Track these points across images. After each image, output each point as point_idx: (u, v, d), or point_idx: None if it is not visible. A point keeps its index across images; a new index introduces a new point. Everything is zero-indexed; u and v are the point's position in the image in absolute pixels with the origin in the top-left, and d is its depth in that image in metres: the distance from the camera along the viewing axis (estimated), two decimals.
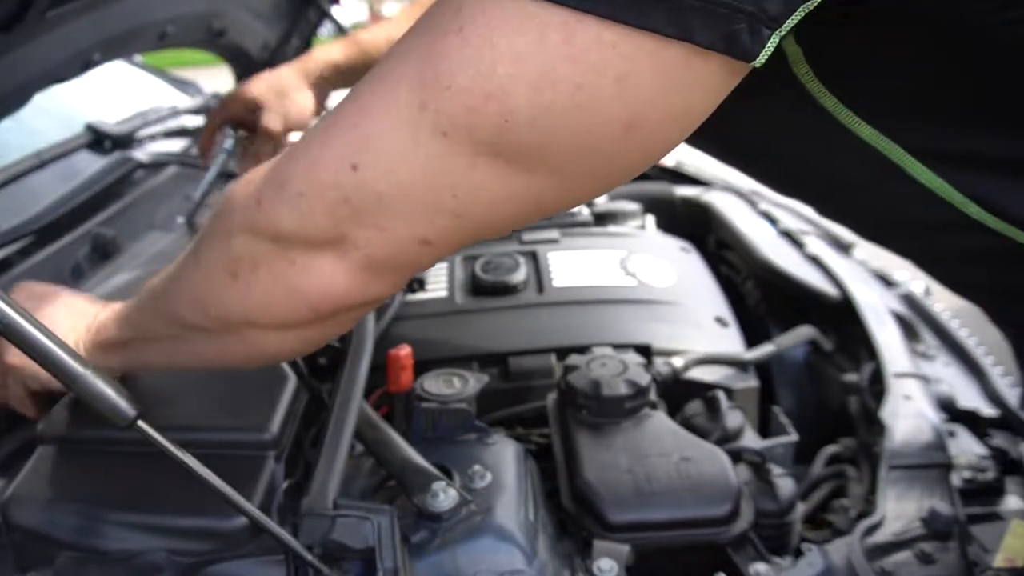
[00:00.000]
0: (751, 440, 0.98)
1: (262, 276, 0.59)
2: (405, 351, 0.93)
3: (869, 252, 1.48)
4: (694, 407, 1.02)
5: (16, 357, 0.75)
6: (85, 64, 1.35)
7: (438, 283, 1.26)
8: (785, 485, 0.89)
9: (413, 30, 0.51)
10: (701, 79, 0.47)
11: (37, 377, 0.76)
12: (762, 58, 0.45)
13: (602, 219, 1.53)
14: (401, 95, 0.50)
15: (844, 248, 1.51)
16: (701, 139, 0.67)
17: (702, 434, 0.93)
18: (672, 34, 0.44)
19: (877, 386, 1.08)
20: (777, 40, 0.45)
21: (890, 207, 0.65)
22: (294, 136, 1.20)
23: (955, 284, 0.75)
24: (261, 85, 1.20)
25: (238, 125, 1.26)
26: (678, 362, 1.03)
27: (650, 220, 1.57)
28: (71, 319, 0.75)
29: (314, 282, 0.57)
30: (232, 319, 0.62)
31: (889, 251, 0.75)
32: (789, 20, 0.45)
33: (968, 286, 0.74)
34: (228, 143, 1.28)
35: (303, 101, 1.20)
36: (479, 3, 0.47)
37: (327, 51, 1.25)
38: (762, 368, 1.18)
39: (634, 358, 0.97)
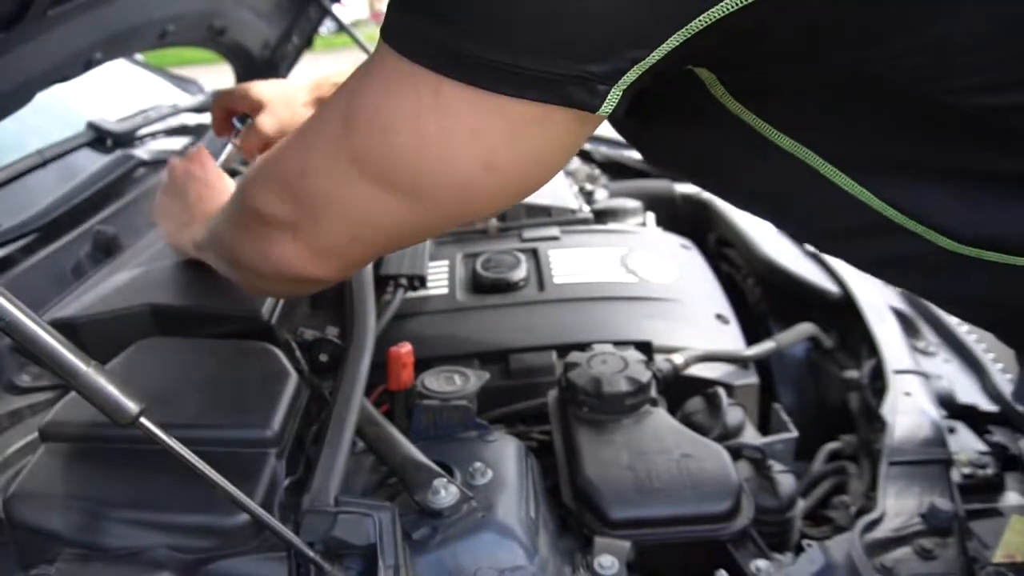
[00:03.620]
0: (752, 437, 0.98)
1: (249, 238, 0.74)
2: (406, 348, 0.93)
3: None
4: (695, 404, 1.02)
5: None
6: (86, 63, 1.35)
7: (439, 281, 1.26)
8: (785, 481, 0.90)
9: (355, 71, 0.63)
10: (550, 129, 0.56)
11: None
12: (607, 108, 0.53)
13: (603, 216, 1.53)
14: (331, 124, 0.63)
15: None
16: (658, 163, 0.80)
17: (703, 431, 0.93)
18: (515, 94, 0.53)
19: (877, 383, 1.09)
20: (619, 93, 0.53)
21: (824, 215, 0.69)
22: None
23: (919, 293, 0.78)
24: (273, 89, 1.21)
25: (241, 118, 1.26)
26: (679, 359, 1.03)
27: (651, 217, 1.57)
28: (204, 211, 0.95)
29: (276, 253, 0.70)
30: (238, 260, 0.78)
31: (842, 260, 0.78)
32: (624, 77, 0.52)
33: (924, 293, 0.77)
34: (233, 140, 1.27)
35: (304, 114, 1.21)
36: (379, 57, 0.58)
37: (341, 74, 1.25)
38: (763, 365, 1.18)
39: (635, 355, 0.97)
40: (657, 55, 0.51)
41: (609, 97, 0.53)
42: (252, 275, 0.77)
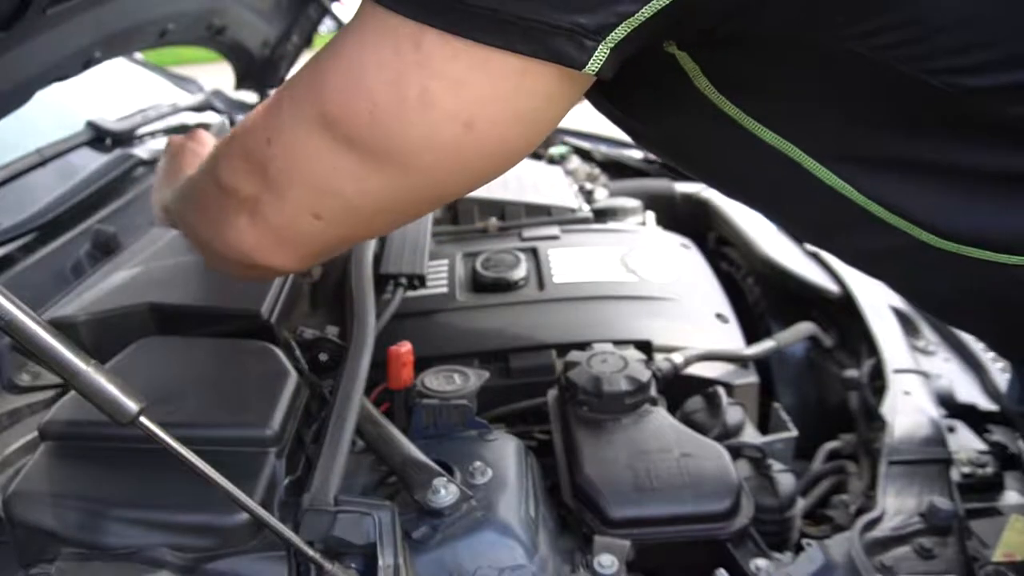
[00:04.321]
0: (751, 436, 0.98)
1: (208, 216, 0.71)
2: (406, 347, 0.93)
3: None
4: (694, 403, 1.02)
5: None
6: (86, 62, 1.35)
7: (438, 280, 1.26)
8: (785, 481, 0.90)
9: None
10: (536, 85, 0.54)
11: None
12: (593, 65, 0.52)
13: (602, 216, 1.54)
14: (302, 86, 0.60)
15: None
16: (649, 150, 0.75)
17: (702, 430, 0.93)
18: (500, 45, 0.51)
19: (877, 382, 1.09)
20: (607, 51, 0.52)
21: (808, 208, 0.69)
22: None
23: (903, 290, 0.78)
24: None
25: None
26: (678, 358, 1.03)
27: (650, 216, 1.58)
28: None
29: (233, 236, 0.67)
30: (196, 237, 0.76)
31: (827, 253, 0.78)
32: (613, 33, 0.51)
33: (907, 290, 0.77)
34: None
35: None
36: (358, 17, 0.56)
37: None
38: (762, 364, 1.18)
39: (634, 354, 0.97)
40: (647, 12, 0.51)
41: (596, 54, 0.52)
42: (209, 253, 0.74)
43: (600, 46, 0.51)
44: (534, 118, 0.58)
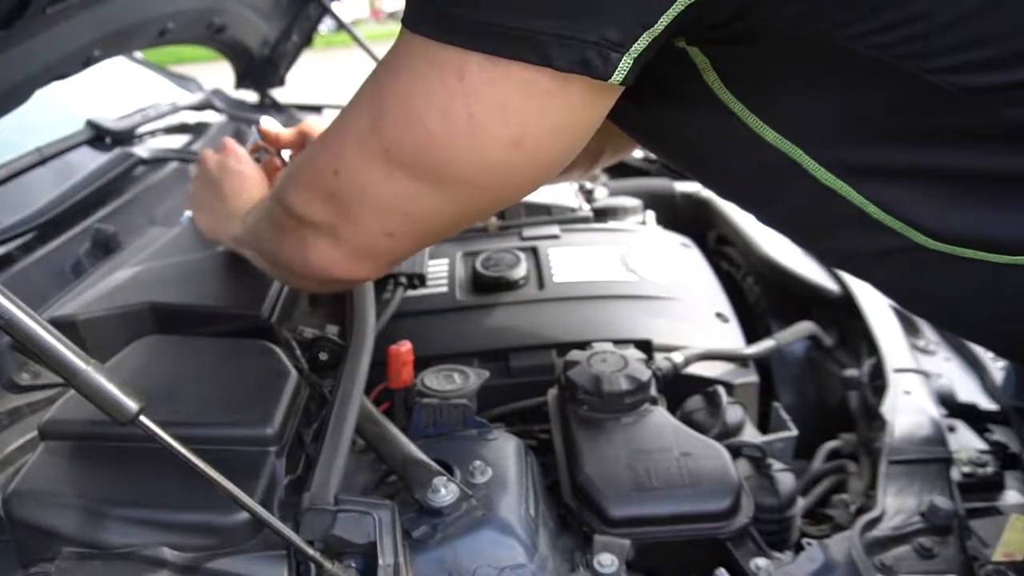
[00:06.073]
0: (751, 435, 0.98)
1: (288, 242, 0.76)
2: (406, 347, 0.93)
3: None
4: (694, 402, 1.02)
5: None
6: (85, 60, 1.35)
7: (439, 279, 1.26)
8: (785, 480, 0.90)
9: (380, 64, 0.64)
10: (571, 98, 0.58)
11: None
12: (618, 76, 0.55)
13: (602, 215, 1.53)
14: (360, 119, 0.65)
15: None
16: (643, 142, 0.83)
17: (702, 429, 0.93)
18: (539, 63, 0.54)
19: (877, 381, 1.09)
20: (631, 61, 0.55)
21: (803, 207, 0.70)
22: None
23: (889, 292, 0.80)
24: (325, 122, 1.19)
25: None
26: (678, 358, 1.03)
27: (651, 216, 1.57)
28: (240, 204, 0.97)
29: (315, 258, 0.74)
30: (277, 261, 0.81)
31: (814, 254, 0.79)
32: (635, 44, 0.54)
33: (897, 292, 0.79)
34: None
35: None
36: (402, 47, 0.60)
37: None
38: (762, 364, 1.18)
39: (634, 354, 0.97)
40: (667, 19, 0.53)
41: (621, 65, 0.55)
42: (290, 275, 0.80)
43: (624, 58, 0.54)
44: (574, 130, 0.61)
